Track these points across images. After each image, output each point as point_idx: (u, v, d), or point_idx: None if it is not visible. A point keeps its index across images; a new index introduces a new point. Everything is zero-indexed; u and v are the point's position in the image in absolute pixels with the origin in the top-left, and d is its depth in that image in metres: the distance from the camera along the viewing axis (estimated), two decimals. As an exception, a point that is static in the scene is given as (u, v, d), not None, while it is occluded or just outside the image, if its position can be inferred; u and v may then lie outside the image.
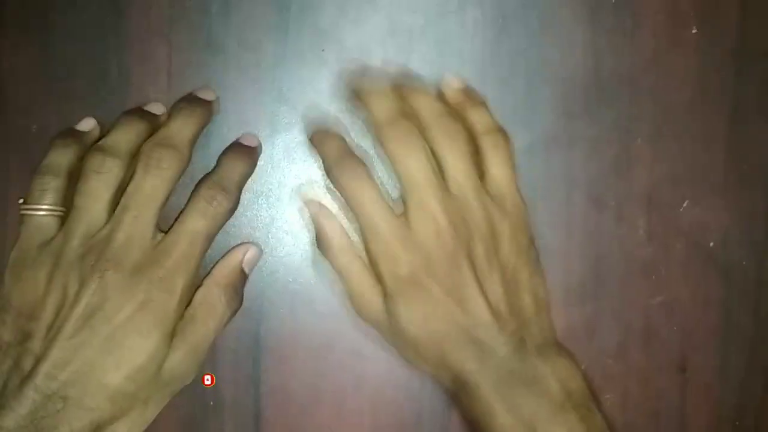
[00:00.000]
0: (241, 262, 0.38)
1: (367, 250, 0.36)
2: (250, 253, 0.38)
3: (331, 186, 0.38)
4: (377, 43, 0.39)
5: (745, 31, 0.40)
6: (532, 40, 0.39)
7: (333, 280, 0.38)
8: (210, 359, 0.36)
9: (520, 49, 0.39)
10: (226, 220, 0.36)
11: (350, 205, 0.36)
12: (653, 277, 0.40)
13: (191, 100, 0.38)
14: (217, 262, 0.37)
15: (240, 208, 0.38)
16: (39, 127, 0.39)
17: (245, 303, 0.38)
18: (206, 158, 0.38)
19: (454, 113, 0.37)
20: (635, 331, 0.40)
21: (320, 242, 0.38)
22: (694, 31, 0.40)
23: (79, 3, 0.38)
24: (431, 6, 0.39)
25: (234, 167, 0.37)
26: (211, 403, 0.39)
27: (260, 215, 0.39)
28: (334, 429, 0.40)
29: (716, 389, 0.40)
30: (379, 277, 0.36)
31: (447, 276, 0.35)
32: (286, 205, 0.39)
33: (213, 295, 0.36)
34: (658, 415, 0.40)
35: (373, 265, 0.36)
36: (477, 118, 0.38)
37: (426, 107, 0.37)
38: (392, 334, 0.36)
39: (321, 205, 0.38)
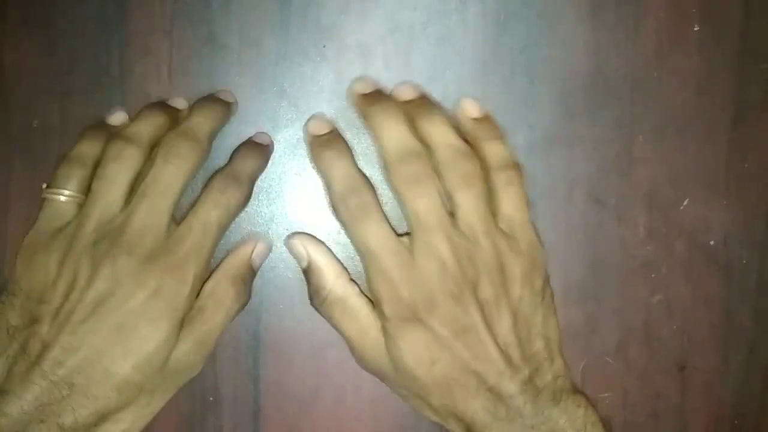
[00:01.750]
0: (251, 255, 0.38)
1: (371, 290, 0.35)
2: (260, 247, 0.38)
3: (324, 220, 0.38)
4: (378, 39, 0.39)
5: (748, 30, 0.40)
6: (534, 38, 0.39)
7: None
8: (210, 355, 0.36)
9: (521, 48, 0.39)
10: (239, 212, 0.36)
11: (353, 239, 0.36)
12: (653, 275, 0.40)
13: (212, 98, 0.38)
14: (226, 256, 0.37)
15: (240, 205, 0.39)
16: (40, 122, 0.39)
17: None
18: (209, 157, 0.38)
19: (469, 150, 0.36)
20: (635, 330, 0.40)
21: (319, 292, 0.36)
22: (696, 30, 0.39)
23: (81, -1, 0.39)
24: (433, 3, 0.39)
25: (246, 161, 0.37)
26: (211, 399, 0.39)
27: (260, 211, 0.39)
28: (333, 426, 0.40)
29: (716, 388, 0.40)
30: (380, 315, 0.35)
31: (453, 317, 0.33)
32: (287, 201, 0.39)
33: (222, 288, 0.36)
34: (658, 413, 0.40)
35: (375, 302, 0.35)
36: (492, 152, 0.37)
37: (440, 142, 0.36)
38: (399, 381, 0.35)
39: (315, 244, 0.37)
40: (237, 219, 0.39)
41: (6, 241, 0.38)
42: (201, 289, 0.36)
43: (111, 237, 0.34)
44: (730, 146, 0.40)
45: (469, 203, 0.35)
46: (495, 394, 0.33)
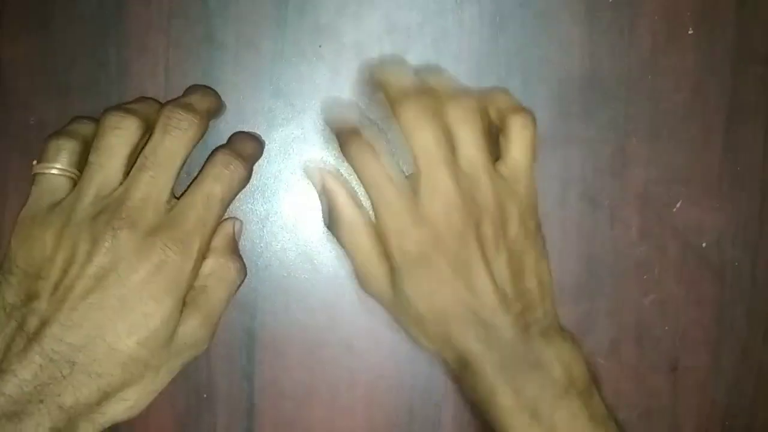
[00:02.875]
0: (234, 233, 0.37)
1: (378, 225, 0.36)
2: (238, 225, 0.38)
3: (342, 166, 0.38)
4: (375, 39, 0.39)
5: (742, 32, 0.40)
6: (529, 39, 0.39)
7: (340, 254, 0.38)
8: (204, 352, 0.36)
9: (516, 48, 0.39)
10: (240, 189, 0.36)
11: (362, 180, 0.36)
12: (646, 276, 0.40)
13: (205, 86, 0.38)
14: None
15: (236, 202, 0.39)
16: (38, 120, 0.39)
17: (240, 297, 0.38)
18: (203, 153, 0.38)
19: (470, 90, 0.37)
20: (628, 330, 0.40)
21: (331, 214, 0.37)
22: (690, 32, 0.40)
23: (79, -4, 0.39)
24: (429, 4, 0.39)
25: (246, 141, 0.38)
26: (205, 396, 0.39)
27: (255, 209, 0.39)
28: (327, 423, 0.40)
29: (708, 388, 0.41)
30: (387, 252, 0.35)
31: (455, 253, 0.34)
32: (282, 200, 0.39)
33: (222, 264, 0.36)
34: (650, 413, 0.40)
35: (382, 240, 0.36)
36: (503, 99, 0.37)
37: (444, 85, 0.37)
38: (398, 309, 0.36)
39: (331, 174, 0.38)
40: (232, 216, 0.39)
41: (3, 237, 0.38)
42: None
43: (111, 210, 0.33)
44: (724, 148, 0.40)
45: (470, 138, 0.35)
46: (488, 325, 0.34)
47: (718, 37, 0.40)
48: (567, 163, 0.40)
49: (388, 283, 0.36)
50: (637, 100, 0.40)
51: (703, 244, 0.40)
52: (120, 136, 0.34)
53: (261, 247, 0.39)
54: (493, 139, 0.37)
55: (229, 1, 0.39)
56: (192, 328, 0.34)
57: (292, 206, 0.39)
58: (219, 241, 0.36)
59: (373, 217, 0.36)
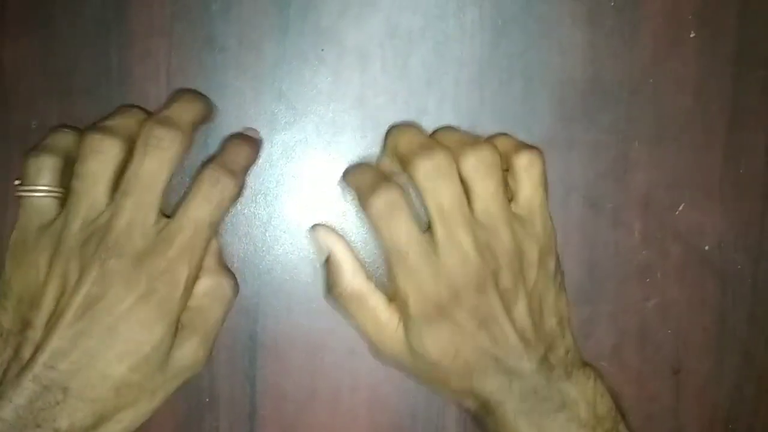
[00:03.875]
0: (220, 248, 0.37)
1: (394, 284, 0.35)
2: (215, 240, 0.37)
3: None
4: (376, 43, 0.39)
5: (744, 36, 0.40)
6: (531, 43, 0.39)
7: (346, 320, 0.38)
8: (212, 349, 0.36)
9: (518, 52, 0.39)
10: (232, 205, 0.35)
11: (382, 238, 0.35)
12: (648, 280, 0.40)
13: (190, 90, 0.38)
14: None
15: (237, 206, 0.39)
16: (39, 123, 0.39)
17: (242, 301, 0.38)
18: (202, 155, 0.38)
19: (483, 140, 0.37)
20: (630, 334, 0.40)
21: (330, 270, 0.37)
22: (692, 36, 0.40)
23: (81, 1, 0.39)
24: (431, 8, 0.39)
25: (238, 151, 0.37)
26: (207, 400, 0.39)
27: (258, 213, 0.39)
28: (329, 427, 0.40)
29: (710, 392, 0.41)
30: (404, 310, 0.35)
31: (475, 307, 0.34)
32: (284, 204, 0.39)
33: (216, 283, 0.36)
34: (653, 417, 0.40)
35: (399, 298, 0.35)
36: (506, 140, 0.37)
37: (454, 138, 0.36)
38: (418, 368, 0.36)
39: (330, 229, 0.38)
40: (234, 221, 0.39)
41: (4, 241, 0.38)
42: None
43: (98, 237, 0.33)
44: (726, 152, 0.40)
45: (487, 192, 0.35)
46: (512, 372, 0.34)
47: (719, 41, 0.40)
48: (569, 167, 0.40)
49: (405, 348, 0.35)
50: (639, 104, 0.40)
51: (705, 248, 0.40)
52: (101, 160, 0.34)
53: (263, 250, 0.39)
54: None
55: (231, 4, 0.39)
56: (189, 350, 0.34)
57: (295, 210, 0.39)
58: (209, 260, 0.36)
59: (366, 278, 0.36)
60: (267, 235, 0.39)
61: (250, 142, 0.38)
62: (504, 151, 0.37)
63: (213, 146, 0.38)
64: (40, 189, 0.35)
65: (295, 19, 0.39)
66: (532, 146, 0.37)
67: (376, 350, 0.37)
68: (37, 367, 0.32)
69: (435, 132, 0.38)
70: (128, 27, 0.39)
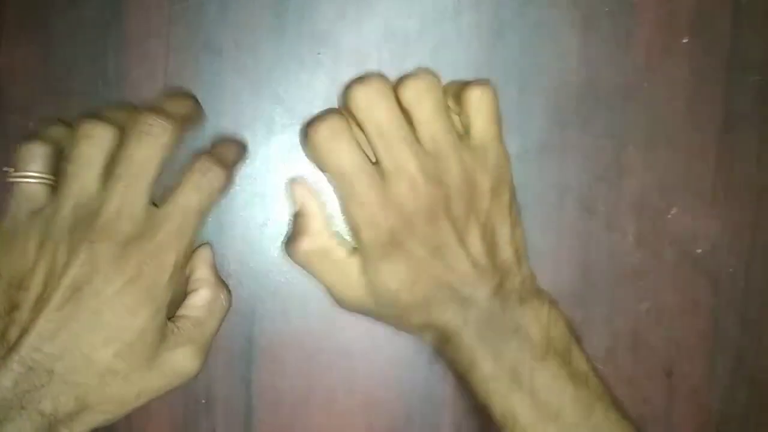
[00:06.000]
0: (213, 258, 0.38)
1: (346, 216, 0.35)
2: (210, 250, 0.38)
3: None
4: (373, 46, 0.39)
5: (737, 42, 0.40)
6: (527, 47, 0.40)
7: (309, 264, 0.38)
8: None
9: (514, 57, 0.40)
10: (221, 196, 0.35)
11: (329, 170, 0.35)
12: (642, 283, 0.40)
13: (182, 91, 0.38)
14: (192, 266, 0.37)
15: (235, 208, 0.39)
16: (35, 125, 0.39)
17: (238, 304, 0.38)
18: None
19: (425, 69, 0.36)
20: (623, 337, 0.41)
21: (297, 222, 0.37)
22: (686, 41, 0.40)
23: (79, 2, 0.39)
24: (428, 11, 0.39)
25: (228, 146, 0.37)
26: (203, 402, 0.39)
27: (254, 215, 0.40)
28: (325, 429, 0.40)
29: (703, 395, 0.41)
30: (358, 244, 0.35)
31: (427, 235, 0.34)
32: (281, 206, 0.40)
33: (214, 296, 0.36)
34: (645, 419, 0.41)
35: (352, 231, 0.35)
36: (457, 82, 0.37)
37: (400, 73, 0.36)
38: (380, 305, 0.36)
39: (305, 184, 0.38)
40: (231, 223, 0.39)
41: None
42: (190, 298, 0.36)
43: (88, 221, 0.33)
44: (718, 156, 0.40)
45: (427, 115, 0.35)
46: (466, 299, 0.35)
47: (713, 46, 0.40)
48: (563, 171, 0.40)
49: (367, 290, 0.36)
50: (633, 108, 0.40)
51: (698, 251, 0.41)
52: (94, 145, 0.34)
53: (259, 253, 0.40)
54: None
55: (229, 7, 0.39)
56: (182, 356, 0.34)
57: (291, 213, 0.39)
58: (205, 271, 0.37)
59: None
60: (263, 237, 0.40)
61: (238, 142, 0.39)
62: (455, 91, 0.36)
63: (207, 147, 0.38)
64: (32, 175, 0.35)
65: (292, 22, 0.39)
66: (483, 80, 0.36)
67: (341, 299, 0.37)
68: (24, 349, 0.32)
69: None
70: (126, 29, 0.39)
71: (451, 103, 0.37)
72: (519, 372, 0.34)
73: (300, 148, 0.39)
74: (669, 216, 0.40)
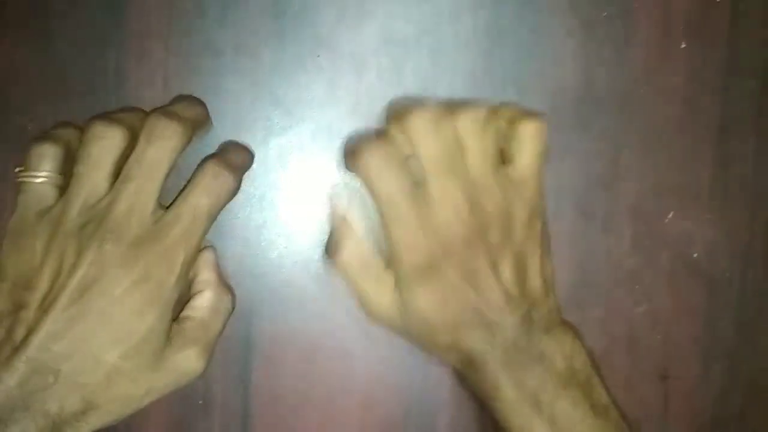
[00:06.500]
0: (217, 261, 0.38)
1: (387, 237, 0.36)
2: (214, 253, 0.38)
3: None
4: (372, 50, 0.39)
5: (734, 47, 0.40)
6: (525, 52, 0.40)
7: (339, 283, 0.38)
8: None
9: (511, 61, 0.40)
10: (228, 200, 0.36)
11: (373, 192, 0.36)
12: (638, 286, 0.41)
13: (192, 96, 0.39)
14: (196, 268, 0.37)
15: (233, 210, 0.39)
16: (35, 126, 0.39)
17: (236, 304, 0.38)
18: (199, 158, 0.38)
19: (482, 105, 0.37)
20: (619, 339, 0.41)
21: (337, 231, 0.38)
22: (683, 47, 0.40)
23: (79, 4, 0.39)
24: (426, 16, 0.39)
25: (238, 151, 0.38)
26: (201, 402, 0.40)
27: (253, 217, 0.40)
28: (323, 429, 0.40)
29: (698, 398, 0.41)
30: (396, 264, 0.36)
31: (463, 260, 0.35)
32: (279, 208, 0.40)
33: (219, 298, 0.37)
34: (640, 422, 0.41)
35: (392, 251, 0.36)
36: (512, 108, 0.38)
37: (452, 104, 0.37)
38: (408, 326, 0.36)
39: (347, 198, 0.39)
40: (229, 225, 0.39)
41: (2, 243, 0.38)
42: (194, 300, 0.36)
43: (96, 221, 0.33)
44: (715, 161, 0.41)
45: (479, 147, 0.35)
46: (494, 325, 0.35)
47: (710, 51, 0.40)
48: (560, 175, 0.40)
49: (398, 306, 0.36)
50: (630, 113, 0.40)
51: (694, 255, 0.41)
52: (105, 146, 0.34)
53: (258, 254, 0.40)
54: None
55: (228, 10, 0.39)
56: (187, 357, 0.35)
57: (289, 214, 0.40)
58: (209, 273, 0.37)
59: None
60: (262, 239, 0.40)
61: (246, 148, 0.39)
62: (510, 117, 0.37)
63: (210, 151, 0.39)
64: (41, 175, 0.35)
65: (291, 25, 0.39)
66: (538, 115, 0.37)
67: (371, 311, 0.37)
68: (30, 349, 0.32)
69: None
70: (125, 30, 0.39)
71: (503, 125, 0.37)
72: (540, 399, 0.34)
73: (298, 150, 0.39)
74: (665, 220, 0.41)
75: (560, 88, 0.40)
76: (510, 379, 0.34)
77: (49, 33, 0.39)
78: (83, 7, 0.39)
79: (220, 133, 0.39)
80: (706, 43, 0.40)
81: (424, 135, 0.35)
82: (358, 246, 0.37)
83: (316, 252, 0.40)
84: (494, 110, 0.37)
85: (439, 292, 0.35)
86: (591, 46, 0.40)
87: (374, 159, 0.35)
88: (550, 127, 0.39)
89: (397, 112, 0.36)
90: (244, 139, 0.39)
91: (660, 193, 0.40)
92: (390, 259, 0.36)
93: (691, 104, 0.40)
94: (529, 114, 0.37)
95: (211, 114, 0.39)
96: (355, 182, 0.37)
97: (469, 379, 0.36)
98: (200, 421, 0.40)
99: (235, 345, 0.39)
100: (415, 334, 0.37)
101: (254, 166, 0.39)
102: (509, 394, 0.34)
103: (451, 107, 0.36)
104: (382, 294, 0.36)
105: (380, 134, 0.37)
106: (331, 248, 0.38)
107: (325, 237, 0.39)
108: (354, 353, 0.40)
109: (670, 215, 0.41)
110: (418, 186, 0.35)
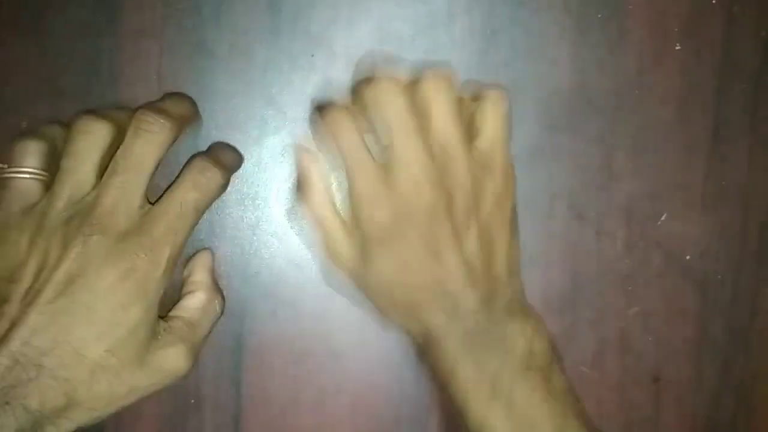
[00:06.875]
0: (212, 265, 0.38)
1: (351, 196, 0.36)
2: (211, 255, 0.38)
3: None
4: (366, 49, 0.39)
5: (728, 49, 0.40)
6: (519, 53, 0.40)
7: (308, 229, 0.39)
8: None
9: (506, 62, 0.40)
10: (216, 197, 0.35)
11: (338, 148, 0.36)
12: (630, 288, 0.41)
13: (181, 93, 0.38)
14: (191, 268, 0.38)
15: (226, 209, 0.39)
16: (29, 124, 0.39)
17: (228, 304, 0.38)
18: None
19: (446, 73, 0.37)
20: (611, 342, 0.41)
21: (301, 184, 0.38)
22: (677, 48, 0.40)
23: (73, 2, 0.39)
24: (421, 17, 0.39)
25: (226, 151, 0.38)
26: (192, 401, 0.40)
27: (246, 217, 0.40)
28: (314, 429, 0.40)
29: (689, 400, 0.41)
30: (358, 221, 0.36)
31: (426, 226, 0.35)
32: (272, 208, 0.40)
33: (210, 300, 0.37)
34: (632, 424, 0.41)
35: (354, 211, 0.36)
36: (473, 85, 0.38)
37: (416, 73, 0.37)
38: (366, 282, 0.36)
39: (310, 150, 0.38)
40: (222, 224, 0.39)
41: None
42: (185, 300, 0.36)
43: (82, 215, 0.33)
44: (708, 163, 0.41)
45: (443, 112, 0.35)
46: (454, 299, 0.35)
47: (704, 53, 0.40)
48: (553, 176, 0.40)
49: (357, 255, 0.36)
50: (624, 114, 0.40)
51: (687, 257, 0.41)
52: (90, 140, 0.34)
53: (250, 254, 0.40)
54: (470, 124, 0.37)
55: (222, 8, 0.39)
56: (173, 355, 0.34)
57: (282, 214, 0.40)
58: (203, 275, 0.37)
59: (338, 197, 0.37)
60: (254, 238, 0.40)
61: (235, 149, 0.39)
62: (474, 92, 0.37)
63: (202, 149, 0.39)
64: (25, 171, 0.35)
65: (285, 24, 0.39)
66: (498, 86, 0.37)
67: (330, 254, 0.37)
68: (12, 342, 0.31)
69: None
70: (119, 29, 0.39)
71: (469, 102, 0.37)
72: (499, 382, 0.34)
73: (293, 150, 0.39)
74: (658, 222, 0.41)
75: (554, 89, 0.40)
76: (468, 360, 0.34)
77: (43, 32, 0.39)
78: (77, 6, 0.39)
79: (214, 132, 0.39)
80: (701, 45, 0.40)
81: (380, 104, 0.35)
82: (325, 191, 0.37)
83: (309, 252, 0.40)
84: (448, 75, 0.37)
85: (400, 256, 0.35)
86: (585, 47, 0.40)
87: (340, 118, 0.36)
88: (543, 127, 0.40)
89: (365, 79, 0.36)
90: (238, 138, 0.39)
91: (653, 195, 0.40)
92: (354, 223, 0.36)
93: (685, 106, 0.40)
94: (489, 87, 0.37)
95: (204, 113, 0.39)
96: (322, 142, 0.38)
97: (428, 356, 0.36)
98: (191, 420, 0.40)
99: (227, 344, 0.39)
100: (374, 294, 0.37)
101: (247, 165, 0.39)
102: (467, 375, 0.34)
103: (416, 75, 0.36)
104: (345, 243, 0.36)
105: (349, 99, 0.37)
106: (298, 190, 0.38)
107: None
108: (345, 353, 0.40)
109: (663, 217, 0.41)
110: (384, 150, 0.35)
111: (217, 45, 0.39)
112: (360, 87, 0.36)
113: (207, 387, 0.40)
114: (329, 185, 0.38)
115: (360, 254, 0.36)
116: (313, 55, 0.39)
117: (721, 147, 0.41)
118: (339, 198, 0.37)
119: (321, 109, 0.37)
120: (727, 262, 0.41)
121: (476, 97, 0.37)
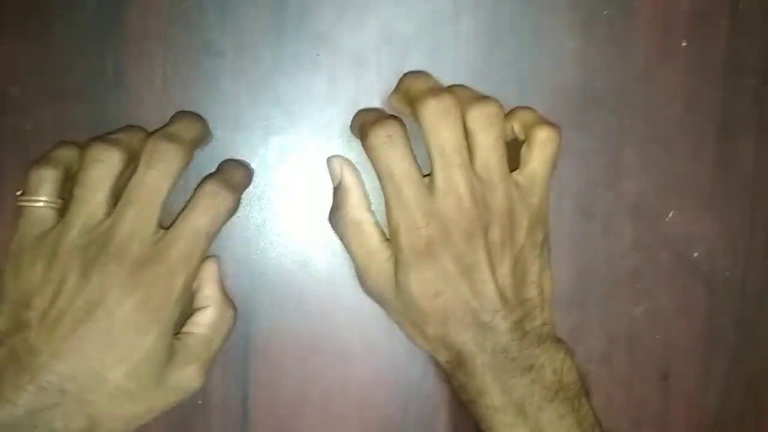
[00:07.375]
0: (219, 275, 0.38)
1: (389, 217, 0.36)
2: (217, 266, 0.38)
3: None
4: (372, 49, 0.39)
5: (735, 45, 0.40)
6: (525, 51, 0.40)
7: (335, 262, 0.39)
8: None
9: (512, 60, 0.40)
10: (228, 219, 0.36)
11: (379, 170, 0.36)
12: (638, 286, 0.41)
13: (191, 112, 0.38)
14: (199, 282, 0.37)
15: (232, 210, 0.39)
16: (34, 125, 0.39)
17: (235, 303, 0.38)
18: (199, 161, 0.38)
19: (492, 98, 0.37)
20: (619, 339, 0.41)
21: (338, 189, 0.38)
22: (684, 45, 0.40)
23: (78, 3, 0.39)
24: (427, 15, 0.39)
25: (236, 170, 0.38)
26: (200, 402, 0.40)
27: (252, 216, 0.40)
28: (321, 429, 0.40)
29: (698, 397, 0.41)
30: (395, 245, 0.36)
31: (462, 254, 0.35)
32: (278, 207, 0.40)
33: (221, 316, 0.37)
34: (640, 421, 0.41)
35: (392, 231, 0.36)
36: (529, 113, 0.38)
37: (465, 93, 0.37)
38: (398, 306, 0.36)
39: (346, 160, 0.38)
40: (228, 225, 0.39)
41: (1, 242, 0.38)
42: (197, 316, 0.37)
43: (99, 243, 0.34)
44: (716, 160, 0.41)
45: (488, 143, 0.36)
46: (486, 327, 0.35)
47: (711, 49, 0.40)
48: (561, 174, 0.40)
49: (391, 279, 0.36)
50: (631, 111, 0.40)
51: (695, 254, 0.41)
52: (103, 169, 0.35)
53: (257, 254, 0.40)
54: (515, 151, 0.37)
55: (228, 9, 0.39)
56: (188, 374, 0.35)
57: (289, 214, 0.40)
58: (212, 289, 0.37)
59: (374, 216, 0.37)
60: (261, 238, 0.40)
61: (246, 166, 0.39)
62: (526, 122, 0.37)
63: (208, 150, 0.39)
64: (40, 200, 0.35)
65: (291, 24, 0.39)
66: (554, 124, 0.37)
67: (363, 281, 0.38)
68: (36, 370, 0.32)
69: (449, 86, 0.38)
70: (124, 30, 0.39)
71: (516, 127, 0.38)
72: (526, 408, 0.34)
73: (297, 149, 0.39)
74: (666, 219, 0.41)
75: (560, 87, 0.40)
76: (497, 383, 0.35)
77: (48, 33, 0.39)
78: (82, 7, 0.39)
79: (219, 132, 0.39)
80: (707, 41, 0.40)
81: (435, 124, 0.35)
82: (354, 210, 0.37)
83: (316, 251, 0.40)
84: (512, 111, 0.38)
85: (434, 281, 0.35)
86: (591, 44, 0.40)
87: (380, 136, 0.35)
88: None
89: (411, 95, 0.37)
90: (244, 138, 0.39)
91: (660, 192, 0.40)
92: (391, 241, 0.36)
93: (691, 103, 0.40)
94: (544, 121, 0.37)
95: (209, 114, 0.39)
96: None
97: (455, 378, 0.36)
98: (199, 420, 0.40)
99: (235, 344, 0.39)
100: (404, 319, 0.37)
101: (254, 165, 0.39)
102: (495, 398, 0.35)
103: (465, 97, 0.36)
104: (378, 266, 0.37)
105: (389, 115, 0.37)
106: (330, 214, 0.38)
107: (325, 235, 0.39)
108: (353, 353, 0.40)
109: (671, 214, 0.41)
110: (425, 176, 0.36)
111: (222, 45, 0.39)
112: (417, 104, 0.36)
113: (215, 388, 0.40)
114: (366, 192, 0.38)
115: (393, 276, 0.36)
116: (318, 55, 0.39)
117: (729, 143, 0.40)
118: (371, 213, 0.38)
119: (363, 123, 0.37)
120: (735, 258, 0.41)
121: (528, 125, 0.37)
